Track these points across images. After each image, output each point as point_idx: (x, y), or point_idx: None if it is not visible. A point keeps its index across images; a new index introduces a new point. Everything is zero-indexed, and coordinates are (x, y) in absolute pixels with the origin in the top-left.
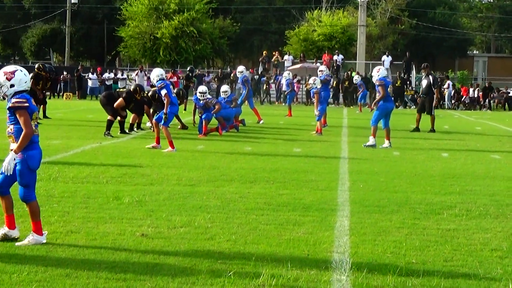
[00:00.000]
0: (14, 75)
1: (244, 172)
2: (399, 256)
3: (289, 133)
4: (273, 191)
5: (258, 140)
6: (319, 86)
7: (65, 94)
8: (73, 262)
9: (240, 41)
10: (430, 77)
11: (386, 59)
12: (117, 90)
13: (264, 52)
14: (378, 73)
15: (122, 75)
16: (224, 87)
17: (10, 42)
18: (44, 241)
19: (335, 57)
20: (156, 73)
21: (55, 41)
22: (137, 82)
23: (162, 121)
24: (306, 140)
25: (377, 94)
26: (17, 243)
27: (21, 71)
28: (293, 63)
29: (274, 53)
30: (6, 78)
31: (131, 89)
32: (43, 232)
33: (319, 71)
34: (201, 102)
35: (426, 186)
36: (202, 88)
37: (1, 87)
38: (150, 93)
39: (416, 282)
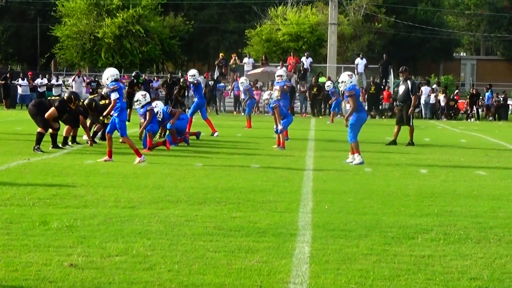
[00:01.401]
0: None
1: (193, 192)
2: (365, 287)
3: (247, 147)
4: (224, 213)
5: (211, 155)
6: (277, 98)
7: None
8: None
9: (194, 41)
10: (409, 82)
11: (360, 62)
12: (49, 98)
13: (220, 54)
14: (346, 82)
15: (57, 80)
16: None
17: None
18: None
19: (302, 60)
20: (110, 73)
21: None
22: (74, 89)
23: (121, 131)
24: (266, 154)
25: (347, 106)
26: None
27: None
28: (254, 67)
29: (232, 56)
30: None
31: (65, 97)
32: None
33: (278, 76)
34: (141, 110)
35: (400, 207)
36: (140, 93)
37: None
38: (86, 102)
39: None
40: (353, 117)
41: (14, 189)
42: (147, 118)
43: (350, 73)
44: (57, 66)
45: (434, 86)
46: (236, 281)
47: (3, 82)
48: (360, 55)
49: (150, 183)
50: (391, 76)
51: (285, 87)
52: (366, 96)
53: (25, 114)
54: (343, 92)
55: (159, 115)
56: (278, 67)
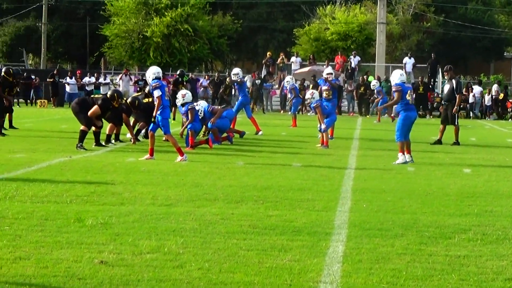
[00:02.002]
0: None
1: (231, 190)
2: (396, 286)
3: (291, 146)
4: (261, 212)
5: (253, 153)
6: (326, 97)
7: (38, 101)
8: None
9: (243, 40)
10: (454, 81)
11: (408, 62)
12: (92, 96)
13: (268, 53)
14: (394, 79)
15: (105, 79)
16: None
17: None
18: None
19: (350, 59)
20: (153, 71)
21: (30, 41)
22: (121, 87)
23: (164, 129)
24: (309, 153)
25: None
26: None
27: None
28: (302, 66)
29: (280, 55)
30: None
31: (108, 95)
32: None
33: (328, 74)
34: (183, 108)
35: (439, 207)
36: (180, 92)
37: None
38: (129, 100)
39: None
40: (400, 115)
41: (53, 186)
42: (189, 117)
43: (402, 72)
44: (107, 65)
45: (495, 85)
46: (265, 280)
47: (51, 80)
48: (408, 54)
49: (189, 181)
50: (440, 76)
51: (326, 87)
52: (414, 96)
53: (72, 112)
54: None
55: (201, 113)
56: (324, 66)
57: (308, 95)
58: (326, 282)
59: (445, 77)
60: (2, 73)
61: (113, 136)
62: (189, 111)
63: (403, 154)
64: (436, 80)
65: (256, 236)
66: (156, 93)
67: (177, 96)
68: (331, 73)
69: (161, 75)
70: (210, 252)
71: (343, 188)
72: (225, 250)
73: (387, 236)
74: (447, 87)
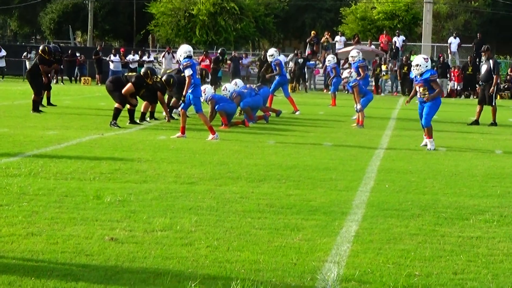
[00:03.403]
0: None
1: (255, 169)
2: (402, 267)
3: (326, 125)
4: (281, 191)
5: (286, 132)
6: (357, 77)
7: (82, 78)
8: (22, 269)
9: (290, 19)
10: (491, 61)
11: (454, 41)
12: (126, 74)
13: (312, 32)
14: (421, 66)
15: (148, 57)
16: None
17: (28, 19)
18: None
19: (394, 39)
20: (184, 50)
21: (77, 18)
22: (164, 65)
23: (196, 108)
24: (343, 133)
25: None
26: None
27: None
28: (346, 45)
29: (325, 34)
30: None
31: (141, 73)
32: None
33: (350, 57)
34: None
35: (462, 188)
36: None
37: None
38: (164, 78)
39: None
40: (437, 101)
41: (79, 163)
42: (210, 108)
43: (425, 56)
44: (155, 43)
45: None
46: (271, 259)
47: (96, 57)
48: (454, 34)
49: (215, 159)
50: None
51: (360, 70)
52: (462, 76)
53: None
54: (417, 76)
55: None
56: (367, 46)
57: (345, 73)
58: (332, 262)
59: (483, 58)
60: (39, 51)
61: (148, 114)
62: (209, 102)
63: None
64: (481, 60)
65: (271, 215)
66: (187, 72)
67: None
68: (354, 56)
69: (192, 53)
70: (221, 231)
71: (368, 168)
72: (238, 228)
73: (403, 217)
74: (484, 68)
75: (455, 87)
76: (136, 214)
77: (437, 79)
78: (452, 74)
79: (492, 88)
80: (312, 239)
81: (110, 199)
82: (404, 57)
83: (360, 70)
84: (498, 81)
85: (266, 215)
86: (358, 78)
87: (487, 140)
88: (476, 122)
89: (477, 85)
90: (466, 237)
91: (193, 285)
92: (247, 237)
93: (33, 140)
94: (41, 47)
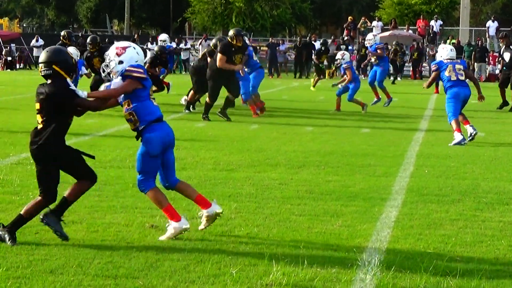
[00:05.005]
0: (125, 51)
1: (294, 156)
2: (443, 252)
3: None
4: (320, 177)
5: (322, 119)
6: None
7: None
8: (63, 257)
9: (326, 5)
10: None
11: (492, 25)
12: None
13: (349, 17)
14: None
15: (185, 44)
16: None
17: (64, 9)
18: (187, 226)
19: (431, 23)
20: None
21: (114, 7)
22: (201, 52)
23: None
24: (380, 119)
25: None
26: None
27: (134, 48)
28: (383, 30)
29: (362, 19)
30: (116, 53)
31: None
32: (180, 216)
33: (367, 40)
34: None
35: (503, 172)
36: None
37: (109, 62)
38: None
39: (451, 283)
40: (447, 94)
41: (117, 151)
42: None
43: (445, 46)
44: (192, 30)
45: None
46: (311, 245)
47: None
48: (492, 18)
49: (253, 146)
50: None
51: (378, 51)
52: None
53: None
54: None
55: None
56: (404, 31)
57: (338, 55)
58: (372, 248)
59: (501, 45)
60: (61, 38)
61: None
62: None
63: (460, 132)
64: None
65: (311, 202)
66: None
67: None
68: (370, 39)
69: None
70: (261, 217)
71: (408, 153)
72: (277, 215)
73: (443, 202)
74: (507, 55)
75: (494, 71)
76: (176, 201)
77: (476, 63)
78: (490, 58)
79: None
80: (352, 225)
81: None
82: (442, 41)
83: (378, 51)
84: None
85: (305, 202)
86: (375, 62)
87: None
88: (505, 104)
89: (499, 71)
90: (507, 222)
91: (233, 271)
92: (286, 223)
93: (71, 129)
94: (62, 33)
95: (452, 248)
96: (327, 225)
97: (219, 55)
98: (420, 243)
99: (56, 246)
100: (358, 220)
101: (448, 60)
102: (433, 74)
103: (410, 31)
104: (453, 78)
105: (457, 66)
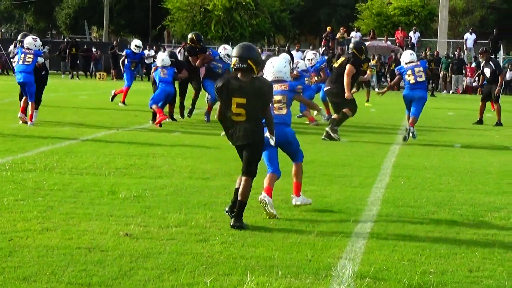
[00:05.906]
0: None
1: None
2: (417, 264)
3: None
4: None
5: (300, 129)
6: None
7: (98, 73)
8: (36, 264)
9: (305, 15)
10: (491, 63)
11: (469, 37)
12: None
13: (328, 28)
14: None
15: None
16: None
17: (43, 14)
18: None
19: (410, 34)
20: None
21: (93, 14)
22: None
23: None
24: (358, 130)
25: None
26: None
27: None
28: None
29: (341, 30)
30: None
31: None
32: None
33: (307, 60)
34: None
35: (478, 185)
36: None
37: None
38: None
39: None
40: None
41: (94, 158)
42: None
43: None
44: (171, 38)
45: None
46: (286, 255)
47: (112, 51)
48: (470, 30)
49: (230, 155)
50: (501, 52)
51: (321, 73)
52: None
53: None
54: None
55: None
56: (383, 42)
57: (311, 55)
58: (347, 258)
59: (480, 59)
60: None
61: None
62: None
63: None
64: (497, 56)
65: (286, 211)
66: None
67: None
68: (312, 59)
69: None
70: None
71: (384, 164)
72: (252, 224)
73: (418, 214)
74: (487, 71)
75: (471, 84)
76: (151, 210)
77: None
78: (467, 71)
79: (498, 88)
80: (326, 236)
81: (125, 194)
82: (423, 52)
83: (321, 72)
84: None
85: (281, 211)
86: (317, 81)
87: (503, 136)
88: (480, 122)
89: (477, 85)
90: (482, 234)
91: (207, 281)
92: (261, 233)
93: (48, 135)
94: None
95: (427, 259)
96: (302, 235)
97: None
98: (394, 254)
99: (29, 253)
100: (333, 230)
101: (408, 64)
102: (395, 78)
103: (389, 42)
104: (412, 81)
105: (416, 69)
